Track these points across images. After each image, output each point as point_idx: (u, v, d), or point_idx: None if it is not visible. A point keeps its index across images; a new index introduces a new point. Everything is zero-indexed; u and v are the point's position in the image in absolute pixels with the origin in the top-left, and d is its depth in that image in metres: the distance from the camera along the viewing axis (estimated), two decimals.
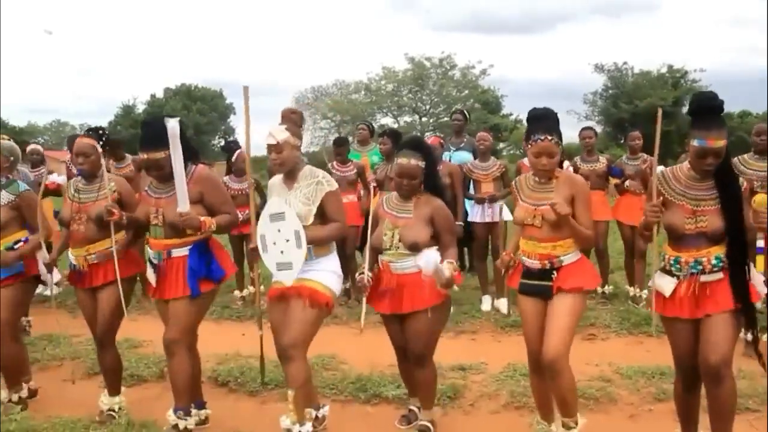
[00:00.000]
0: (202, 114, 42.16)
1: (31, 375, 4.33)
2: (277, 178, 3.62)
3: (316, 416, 3.49)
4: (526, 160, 6.24)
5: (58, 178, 6.49)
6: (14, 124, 42.43)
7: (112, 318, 3.81)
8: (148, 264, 3.67)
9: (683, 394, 3.21)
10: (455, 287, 3.60)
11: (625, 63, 30.83)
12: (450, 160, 6.75)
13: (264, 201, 4.40)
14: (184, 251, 3.54)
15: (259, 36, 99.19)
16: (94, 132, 3.94)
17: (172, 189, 3.51)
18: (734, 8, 77.85)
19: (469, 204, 6.35)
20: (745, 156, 5.14)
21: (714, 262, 2.94)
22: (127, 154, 6.96)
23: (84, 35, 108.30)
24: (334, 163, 6.70)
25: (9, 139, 6.24)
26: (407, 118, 35.57)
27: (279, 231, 3.34)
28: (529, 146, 3.18)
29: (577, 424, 3.23)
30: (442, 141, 7.05)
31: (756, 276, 3.02)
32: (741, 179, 3.05)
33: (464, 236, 6.04)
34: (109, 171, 4.13)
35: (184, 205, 3.41)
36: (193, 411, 3.62)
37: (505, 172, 6.40)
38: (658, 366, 4.45)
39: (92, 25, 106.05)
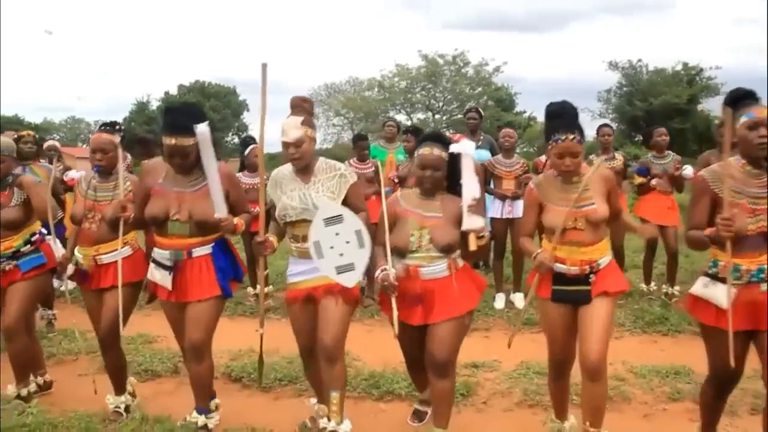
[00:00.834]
0: (215, 111, 42.22)
1: (46, 368, 4.35)
2: (285, 171, 3.47)
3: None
4: (542, 158, 6.24)
5: (77, 174, 6.50)
6: (30, 121, 42.88)
7: (117, 321, 3.65)
8: (153, 267, 3.50)
9: (713, 401, 3.12)
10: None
11: (639, 60, 30.47)
12: None
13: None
14: (206, 250, 3.44)
15: (271, 34, 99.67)
16: (110, 126, 3.84)
17: (196, 182, 3.42)
18: (750, 7, 77.05)
19: (488, 199, 6.29)
20: None
21: None
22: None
23: (96, 34, 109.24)
24: (353, 159, 6.67)
25: (26, 135, 6.30)
26: (420, 115, 35.61)
27: (337, 234, 3.17)
28: (551, 147, 3.06)
29: None
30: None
31: None
32: None
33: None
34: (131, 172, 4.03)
35: (222, 210, 3.30)
36: (211, 404, 3.58)
37: (526, 170, 6.38)
38: (672, 365, 4.43)
39: (105, 23, 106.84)
